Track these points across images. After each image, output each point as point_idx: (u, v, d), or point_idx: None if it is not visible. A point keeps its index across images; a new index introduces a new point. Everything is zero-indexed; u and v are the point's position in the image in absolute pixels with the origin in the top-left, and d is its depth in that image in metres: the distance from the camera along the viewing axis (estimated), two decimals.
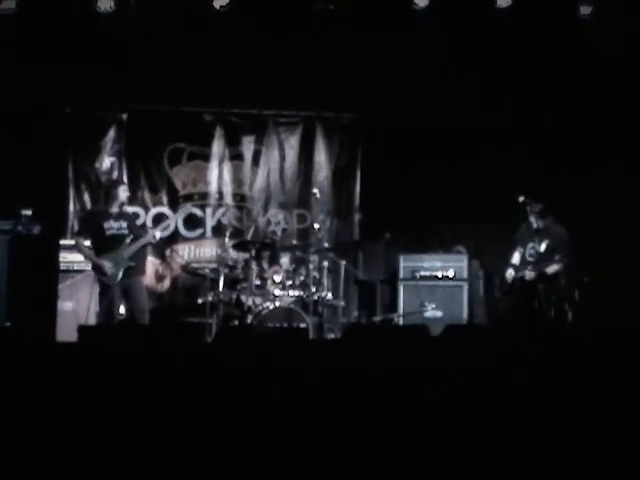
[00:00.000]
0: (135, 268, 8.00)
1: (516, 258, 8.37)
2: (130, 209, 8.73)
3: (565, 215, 9.78)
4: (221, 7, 8.96)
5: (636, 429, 4.11)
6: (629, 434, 4.09)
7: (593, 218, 9.46)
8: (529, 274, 8.11)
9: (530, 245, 8.28)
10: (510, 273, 8.25)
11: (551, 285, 8.11)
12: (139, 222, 9.31)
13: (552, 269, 8.13)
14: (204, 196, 10.12)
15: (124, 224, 8.06)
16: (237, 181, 10.20)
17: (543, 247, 8.20)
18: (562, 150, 9.77)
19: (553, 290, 8.09)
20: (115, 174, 9.84)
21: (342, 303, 9.31)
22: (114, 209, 8.10)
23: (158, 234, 8.32)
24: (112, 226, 8.00)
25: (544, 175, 9.55)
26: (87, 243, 8.08)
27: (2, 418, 3.98)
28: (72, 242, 8.49)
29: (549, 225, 8.30)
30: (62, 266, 8.43)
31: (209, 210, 10.10)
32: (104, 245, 7.95)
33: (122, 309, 8.17)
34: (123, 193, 8.19)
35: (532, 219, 8.29)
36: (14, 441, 3.91)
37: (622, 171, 9.44)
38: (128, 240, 7.97)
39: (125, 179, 9.57)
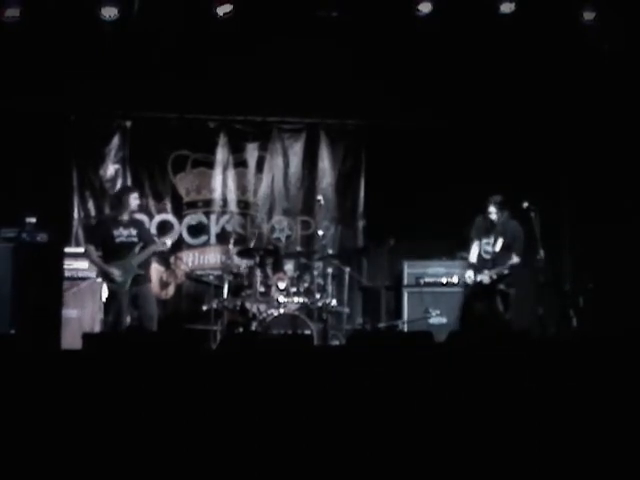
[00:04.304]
0: (143, 276, 8.02)
1: (474, 255, 8.26)
2: (138, 216, 8.73)
3: (566, 217, 9.81)
4: (224, 14, 8.96)
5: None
6: (632, 439, 4.10)
7: (594, 219, 9.46)
8: (485, 278, 8.04)
9: (485, 241, 8.19)
10: (469, 276, 8.16)
11: (508, 284, 8.09)
12: None
13: (507, 269, 8.07)
14: (208, 203, 10.11)
15: (134, 232, 8.05)
16: (241, 188, 10.19)
17: (499, 246, 8.10)
18: (565, 153, 9.79)
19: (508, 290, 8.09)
20: (119, 181, 9.85)
21: (346, 310, 9.30)
22: (124, 217, 8.10)
23: (169, 242, 8.33)
24: (122, 234, 7.99)
25: (546, 179, 9.58)
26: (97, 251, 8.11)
27: (6, 425, 3.98)
28: (80, 250, 8.49)
29: (505, 221, 8.16)
30: (67, 273, 8.44)
31: (213, 217, 10.11)
32: (113, 253, 7.94)
33: (128, 317, 8.17)
34: (134, 201, 8.19)
35: (491, 209, 8.15)
36: (19, 449, 3.91)
37: (624, 174, 9.45)
38: (137, 248, 7.97)
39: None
